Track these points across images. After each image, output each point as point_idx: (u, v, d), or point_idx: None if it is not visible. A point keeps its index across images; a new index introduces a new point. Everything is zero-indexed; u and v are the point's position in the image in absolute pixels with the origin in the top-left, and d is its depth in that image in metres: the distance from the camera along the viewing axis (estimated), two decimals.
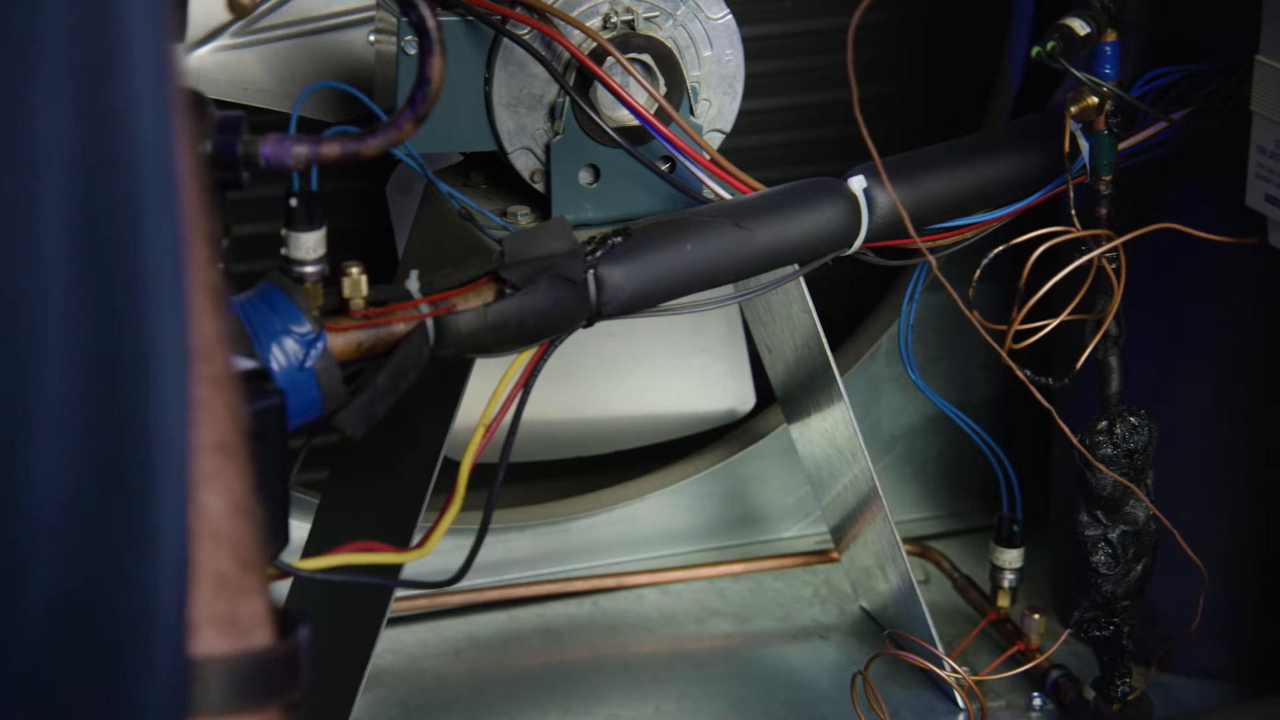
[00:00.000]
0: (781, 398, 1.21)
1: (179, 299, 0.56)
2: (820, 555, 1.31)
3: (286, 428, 0.84)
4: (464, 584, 1.12)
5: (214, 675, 0.62)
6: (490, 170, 1.10)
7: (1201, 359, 1.16)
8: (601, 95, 1.03)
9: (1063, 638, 1.13)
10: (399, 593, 1.18)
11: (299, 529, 1.10)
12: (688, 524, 1.32)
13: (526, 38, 1.02)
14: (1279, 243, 0.96)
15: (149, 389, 0.56)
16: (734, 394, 1.30)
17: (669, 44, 1.04)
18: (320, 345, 0.88)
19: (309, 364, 0.87)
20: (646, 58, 1.04)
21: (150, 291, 0.56)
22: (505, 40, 1.02)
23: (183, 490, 0.58)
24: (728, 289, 1.05)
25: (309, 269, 0.90)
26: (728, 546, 1.33)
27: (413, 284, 0.93)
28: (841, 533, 1.25)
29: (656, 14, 1.04)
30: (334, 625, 1.10)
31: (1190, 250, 1.03)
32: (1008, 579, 1.22)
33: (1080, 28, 0.99)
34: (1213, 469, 1.17)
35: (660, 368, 1.29)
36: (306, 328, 0.87)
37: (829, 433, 1.18)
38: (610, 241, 0.97)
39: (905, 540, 1.26)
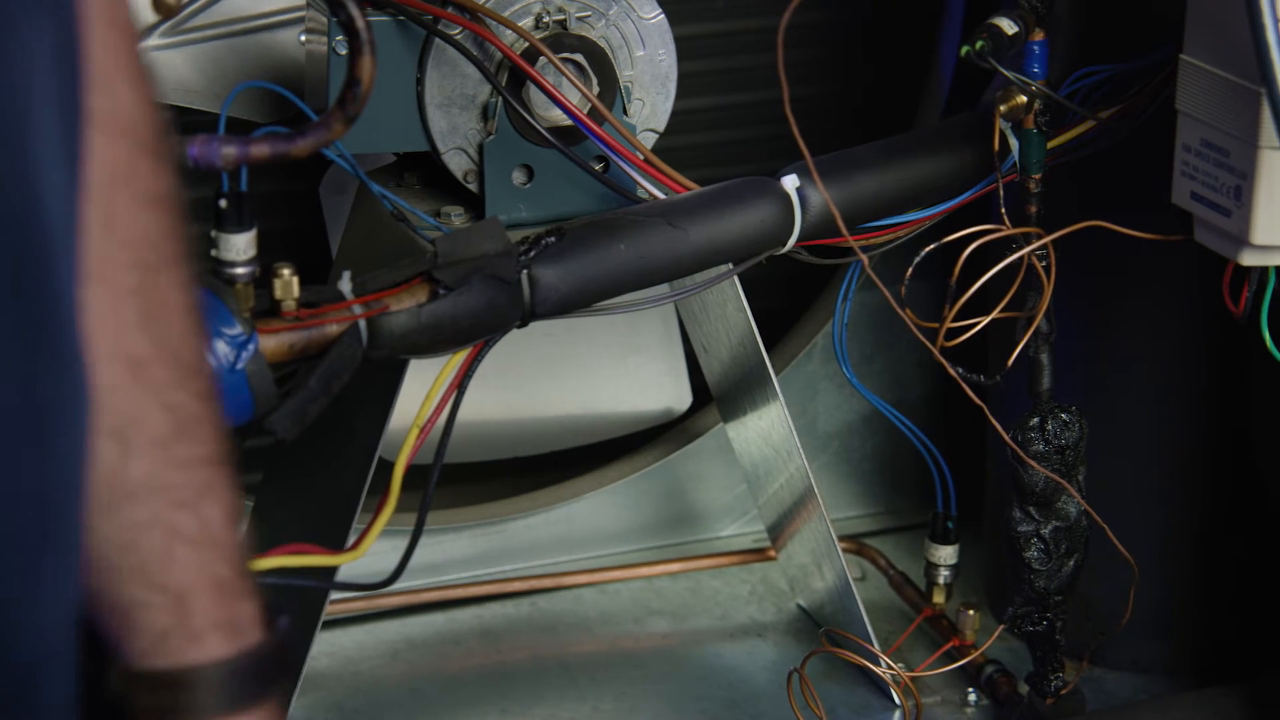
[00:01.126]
0: (718, 397, 1.22)
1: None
2: (757, 554, 1.32)
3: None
4: (400, 586, 1.11)
5: (218, 678, 0.64)
6: (423, 170, 1.09)
7: (1131, 355, 1.17)
8: (534, 95, 1.03)
9: (996, 633, 1.13)
10: (335, 595, 1.18)
11: None
12: (625, 524, 1.33)
13: (458, 38, 1.02)
14: (1205, 239, 0.97)
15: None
16: (670, 393, 1.30)
17: (602, 44, 1.04)
18: (251, 347, 0.87)
19: (240, 366, 0.87)
20: (579, 57, 1.04)
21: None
22: (437, 40, 1.02)
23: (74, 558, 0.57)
24: (663, 288, 1.06)
25: (239, 270, 0.89)
26: (665, 546, 1.33)
27: (345, 285, 0.93)
28: (778, 531, 1.25)
29: (589, 14, 1.04)
30: None
31: (1119, 248, 1.04)
32: (943, 575, 1.23)
33: (1008, 27, 1.00)
34: (1144, 464, 1.18)
35: (596, 367, 1.29)
36: (237, 329, 0.87)
37: (765, 431, 1.18)
38: (544, 241, 0.97)
39: (841, 538, 1.26)
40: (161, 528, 0.63)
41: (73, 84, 0.55)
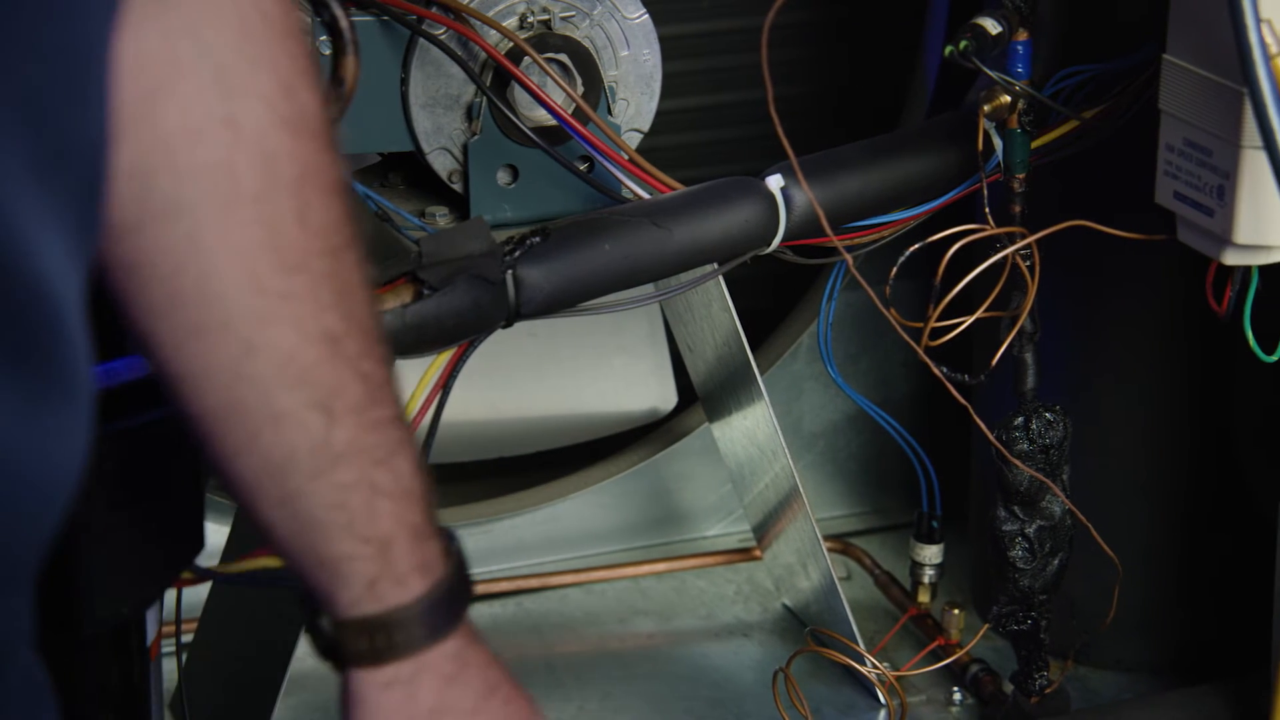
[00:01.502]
0: (703, 396, 1.22)
1: None
2: (743, 553, 1.32)
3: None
4: None
5: (421, 612, 0.71)
6: (408, 170, 1.09)
7: (1115, 355, 1.17)
8: (519, 95, 1.03)
9: (981, 632, 1.14)
10: None
11: (218, 533, 1.09)
12: (611, 524, 1.33)
13: (443, 38, 1.02)
14: (1188, 239, 0.97)
15: None
16: (656, 393, 1.30)
17: (586, 44, 1.04)
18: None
19: None
20: (563, 57, 1.04)
21: None
22: (421, 40, 1.02)
23: None
24: (648, 288, 1.06)
25: None
26: (651, 546, 1.33)
27: None
28: (764, 530, 1.25)
29: (573, 14, 1.04)
30: (253, 628, 1.09)
31: (1103, 247, 1.04)
32: (928, 575, 1.23)
33: (992, 27, 1.00)
34: (1128, 464, 1.18)
35: (582, 368, 1.29)
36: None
37: (750, 431, 1.18)
38: (528, 241, 0.97)
39: (826, 537, 1.27)
40: (364, 486, 0.69)
41: (54, 152, 0.55)
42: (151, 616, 0.88)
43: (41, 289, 0.52)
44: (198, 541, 0.84)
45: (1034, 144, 1.04)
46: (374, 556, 0.70)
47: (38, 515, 0.58)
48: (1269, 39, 0.84)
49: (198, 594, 1.13)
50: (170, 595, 0.99)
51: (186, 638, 1.13)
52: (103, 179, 0.54)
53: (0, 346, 0.51)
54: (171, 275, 0.66)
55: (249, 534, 1.09)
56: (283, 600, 1.05)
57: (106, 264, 0.66)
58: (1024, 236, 1.04)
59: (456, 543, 0.74)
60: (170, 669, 1.08)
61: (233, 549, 1.09)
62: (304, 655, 1.21)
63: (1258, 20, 0.83)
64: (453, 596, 0.72)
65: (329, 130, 0.68)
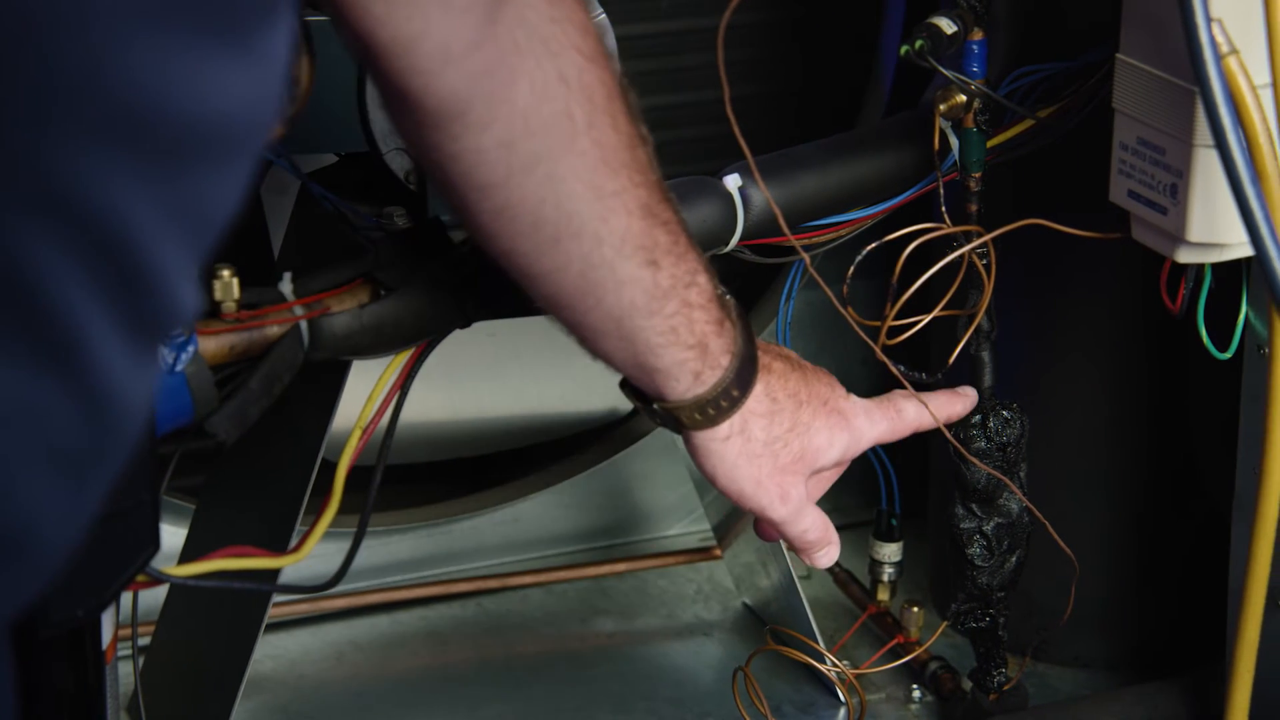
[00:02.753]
0: None
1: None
2: (703, 553, 1.32)
3: (155, 433, 0.83)
4: (345, 587, 1.11)
5: (733, 375, 0.89)
6: (365, 171, 1.09)
7: (1072, 352, 1.18)
8: None
9: (940, 630, 1.14)
10: (279, 597, 1.17)
11: (175, 535, 1.09)
12: (571, 524, 1.32)
13: None
14: (1142, 237, 0.98)
15: None
16: (615, 393, 1.29)
17: None
18: (190, 349, 0.87)
19: (179, 368, 0.86)
20: None
21: None
22: None
23: None
24: None
25: None
26: (611, 545, 1.33)
27: (286, 286, 0.92)
28: (724, 530, 1.26)
29: None
30: (211, 631, 1.09)
31: (1059, 246, 1.04)
32: (887, 573, 1.23)
33: (947, 26, 1.00)
34: (1085, 461, 1.19)
35: (541, 367, 1.29)
36: (176, 331, 0.86)
37: None
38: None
39: None
40: (683, 308, 0.87)
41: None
42: (107, 619, 0.88)
43: (163, 280, 0.56)
44: (154, 544, 0.84)
45: (990, 143, 1.05)
46: (697, 357, 0.88)
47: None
48: (1220, 38, 0.84)
49: (156, 596, 1.12)
50: (127, 598, 0.99)
51: (144, 640, 1.12)
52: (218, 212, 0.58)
53: (129, 314, 0.55)
54: (535, 207, 0.82)
55: (207, 536, 1.08)
56: (240, 602, 1.04)
57: (471, 212, 0.82)
58: (980, 235, 1.05)
59: (731, 297, 0.90)
60: (127, 672, 1.08)
61: (190, 551, 1.09)
62: (262, 658, 1.22)
63: (1208, 20, 0.83)
64: (749, 352, 0.90)
65: (601, 41, 0.82)
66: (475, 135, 0.80)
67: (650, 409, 0.91)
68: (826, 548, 0.97)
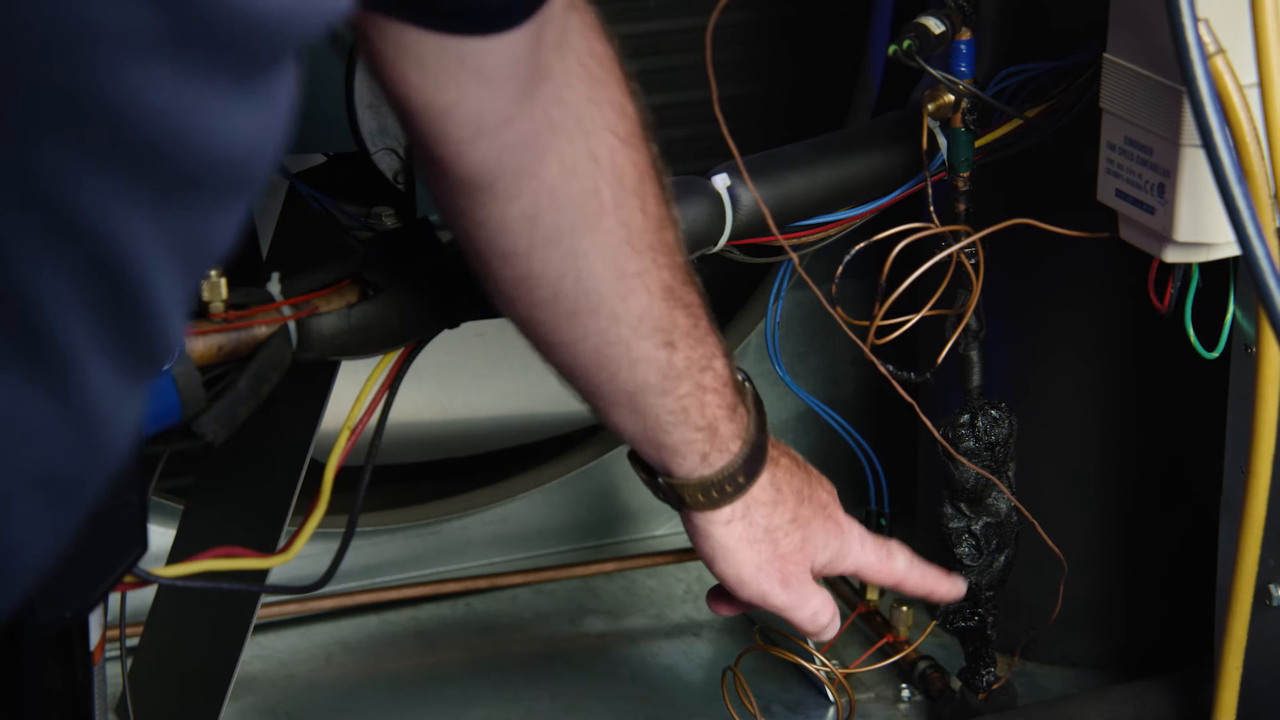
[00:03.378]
0: None
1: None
2: (692, 552, 1.30)
3: (142, 434, 0.83)
4: (334, 588, 1.11)
5: (742, 462, 0.90)
6: (354, 171, 1.09)
7: (1060, 352, 1.18)
8: None
9: (929, 629, 1.14)
10: (268, 598, 1.17)
11: (164, 535, 1.09)
12: (560, 523, 1.32)
13: None
14: (1130, 237, 0.98)
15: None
16: None
17: None
18: (178, 349, 0.87)
19: (167, 368, 0.86)
20: None
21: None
22: None
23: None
24: None
25: None
26: (600, 545, 1.33)
27: (274, 286, 0.92)
28: None
29: None
30: (199, 632, 1.08)
31: (1046, 245, 1.05)
32: None
33: (935, 26, 1.00)
34: (1073, 460, 1.19)
35: (530, 367, 1.28)
36: (165, 363, 0.86)
37: None
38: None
39: None
40: (697, 390, 0.88)
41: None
42: (95, 620, 0.88)
43: (154, 303, 0.56)
44: (142, 545, 0.84)
45: (978, 143, 1.05)
46: (705, 439, 0.89)
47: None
48: (1206, 38, 0.84)
49: (144, 597, 1.12)
50: (115, 599, 0.99)
51: (132, 642, 1.12)
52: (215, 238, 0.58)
53: (122, 341, 0.55)
54: (555, 280, 0.83)
55: (196, 537, 1.08)
56: (229, 603, 1.04)
57: (491, 278, 0.84)
58: (969, 235, 1.05)
59: (750, 384, 0.92)
60: (115, 673, 1.07)
61: (179, 552, 1.09)
62: (251, 658, 1.21)
63: (1195, 19, 0.83)
64: (760, 441, 0.91)
65: (645, 122, 0.84)
66: (501, 205, 0.81)
67: (655, 483, 0.92)
68: (833, 623, 0.96)
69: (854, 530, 0.96)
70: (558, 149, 0.80)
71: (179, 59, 0.51)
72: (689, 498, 0.91)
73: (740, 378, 0.92)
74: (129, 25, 0.50)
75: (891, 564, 0.97)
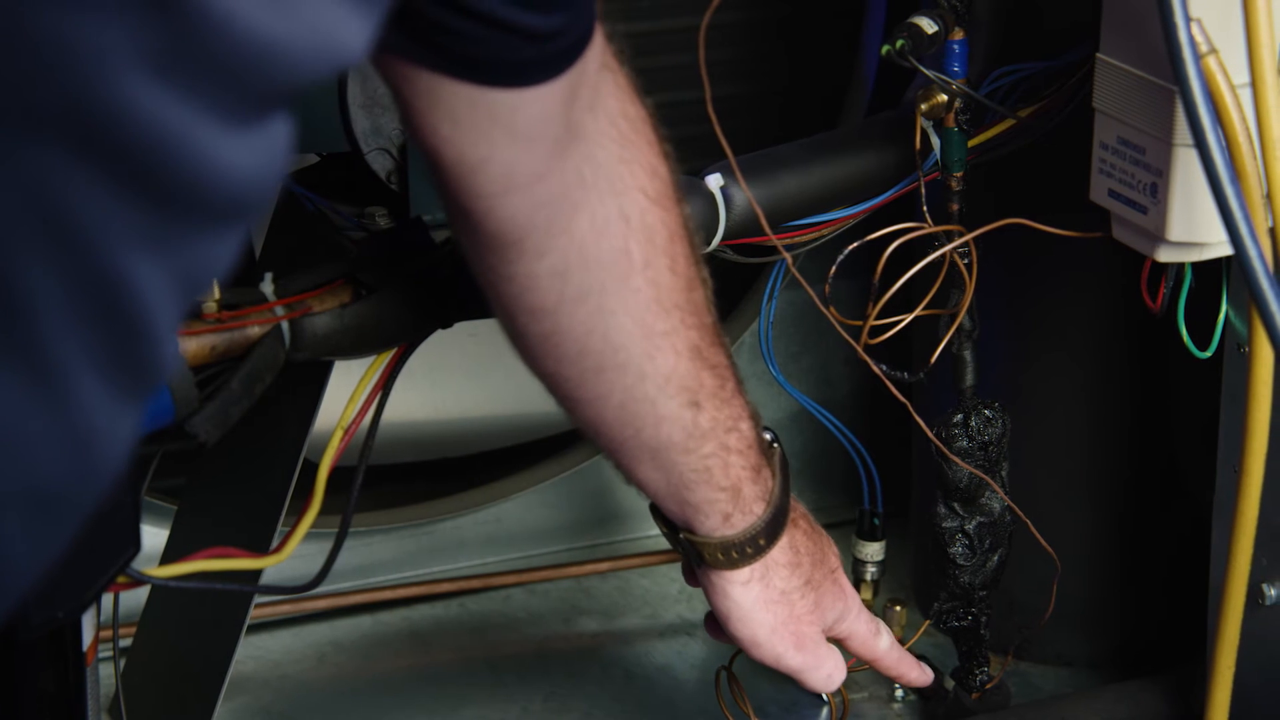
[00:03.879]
0: None
1: None
2: None
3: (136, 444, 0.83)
4: (327, 588, 1.11)
5: (764, 524, 0.91)
6: (347, 171, 1.09)
7: (1054, 351, 1.18)
8: None
9: (922, 629, 1.14)
10: (261, 598, 1.17)
11: (157, 536, 1.09)
12: (554, 523, 1.32)
13: None
14: (1123, 236, 0.98)
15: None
16: None
17: None
18: (170, 371, 0.87)
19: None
20: None
21: None
22: None
23: None
24: None
25: None
26: (594, 545, 1.33)
27: (267, 286, 0.92)
28: None
29: None
30: (192, 632, 1.08)
31: (1040, 245, 1.05)
32: (870, 571, 1.23)
33: (928, 26, 1.00)
34: (1066, 460, 1.19)
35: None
36: (155, 384, 0.86)
37: None
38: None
39: None
40: (721, 450, 0.88)
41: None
42: (88, 621, 0.87)
43: (147, 319, 0.56)
44: (135, 545, 0.84)
45: (971, 142, 1.05)
46: (729, 499, 0.90)
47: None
48: (1199, 38, 0.84)
49: (137, 598, 1.12)
50: (108, 599, 0.99)
51: (125, 642, 1.12)
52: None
53: (116, 360, 0.55)
54: (583, 336, 0.83)
55: (189, 537, 1.08)
56: (222, 603, 1.04)
57: (519, 334, 0.84)
58: (962, 234, 1.05)
59: (778, 444, 0.93)
60: (108, 674, 1.07)
61: (172, 552, 1.09)
62: (244, 658, 1.21)
63: (1187, 19, 0.83)
64: (783, 504, 0.92)
65: (675, 182, 0.84)
66: (530, 261, 0.81)
67: (676, 538, 0.93)
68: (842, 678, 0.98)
69: (855, 599, 0.98)
70: (589, 207, 0.80)
71: (183, 85, 0.51)
72: (709, 556, 0.91)
73: (769, 438, 0.92)
74: (132, 45, 0.50)
75: (876, 641, 1.00)
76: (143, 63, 0.51)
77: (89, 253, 0.53)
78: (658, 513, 0.93)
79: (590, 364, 0.84)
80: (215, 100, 0.52)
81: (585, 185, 0.80)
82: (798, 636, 0.94)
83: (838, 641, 0.99)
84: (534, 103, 0.74)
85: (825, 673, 0.96)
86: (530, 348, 0.85)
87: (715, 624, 0.97)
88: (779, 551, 0.92)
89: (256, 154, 0.54)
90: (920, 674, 1.04)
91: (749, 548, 0.91)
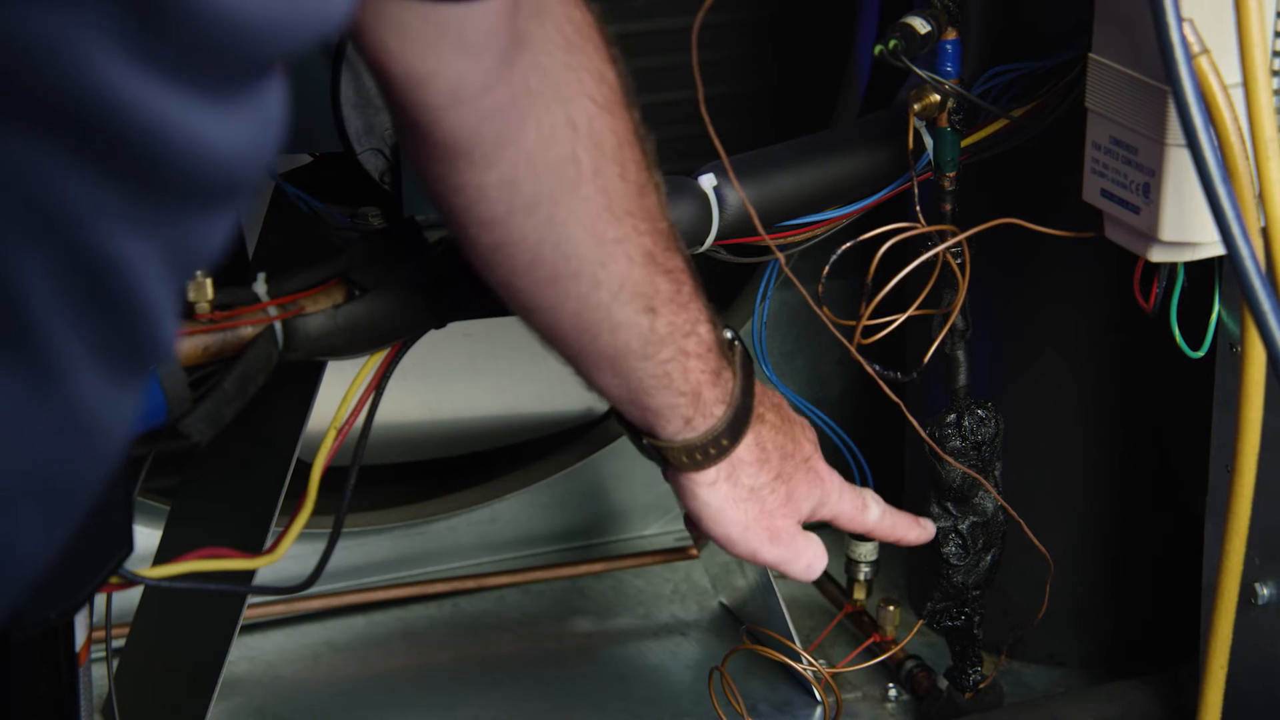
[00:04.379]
0: None
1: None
2: (680, 552, 1.32)
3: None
4: (321, 588, 1.11)
5: (725, 425, 0.90)
6: (340, 171, 1.09)
7: (1047, 351, 1.18)
8: None
9: (916, 628, 1.14)
10: (255, 599, 1.17)
11: (150, 536, 1.09)
12: (548, 524, 1.32)
13: None
14: (1115, 236, 0.98)
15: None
16: (591, 393, 1.30)
17: None
18: (170, 351, 0.87)
19: (151, 369, 0.86)
20: None
21: None
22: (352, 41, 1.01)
23: None
24: None
25: None
26: (588, 545, 1.33)
27: (260, 287, 0.92)
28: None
29: None
30: (186, 633, 1.08)
31: (1032, 245, 1.05)
32: (863, 572, 1.23)
33: (921, 26, 1.00)
34: (1059, 460, 1.19)
35: (517, 368, 1.29)
36: (154, 365, 0.86)
37: None
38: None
39: None
40: (679, 355, 0.88)
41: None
42: (81, 621, 0.87)
43: (140, 298, 0.55)
44: (128, 546, 0.84)
45: (964, 142, 1.05)
46: (689, 404, 0.89)
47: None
48: (1191, 38, 0.85)
49: (130, 598, 1.12)
50: (100, 599, 0.99)
51: (118, 643, 1.12)
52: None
53: (110, 344, 0.55)
54: (534, 246, 0.82)
55: (182, 537, 1.08)
56: (215, 603, 1.04)
57: (470, 244, 0.83)
58: (955, 234, 1.05)
59: (740, 343, 0.92)
60: (101, 674, 1.07)
61: (165, 552, 1.09)
62: (238, 659, 1.21)
63: (1179, 19, 0.84)
64: (745, 404, 0.91)
65: (625, 88, 0.83)
66: (479, 173, 0.80)
67: (640, 443, 0.93)
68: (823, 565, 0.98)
69: (834, 480, 0.97)
70: (535, 116, 0.79)
71: (162, 66, 0.51)
72: (673, 459, 0.91)
73: (729, 337, 0.92)
74: (108, 30, 0.50)
75: (865, 515, 0.99)
76: (119, 44, 0.50)
77: (76, 235, 0.52)
78: (620, 417, 0.92)
79: (543, 274, 0.84)
80: (196, 78, 0.52)
81: (532, 94, 0.79)
82: (771, 531, 0.94)
83: (828, 525, 0.98)
84: (481, 14, 0.74)
85: (804, 563, 0.96)
86: (482, 258, 0.84)
87: (694, 522, 0.96)
88: (744, 450, 0.91)
89: (245, 129, 0.54)
90: (920, 531, 1.03)
91: (712, 449, 0.90)
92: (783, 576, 1.29)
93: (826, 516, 0.98)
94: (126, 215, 0.53)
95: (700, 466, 0.91)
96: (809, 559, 0.96)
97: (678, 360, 0.88)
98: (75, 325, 0.53)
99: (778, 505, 0.94)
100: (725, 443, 0.91)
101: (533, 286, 0.85)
